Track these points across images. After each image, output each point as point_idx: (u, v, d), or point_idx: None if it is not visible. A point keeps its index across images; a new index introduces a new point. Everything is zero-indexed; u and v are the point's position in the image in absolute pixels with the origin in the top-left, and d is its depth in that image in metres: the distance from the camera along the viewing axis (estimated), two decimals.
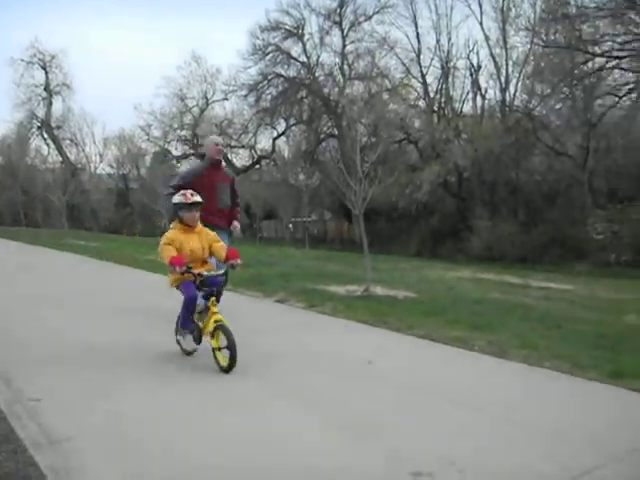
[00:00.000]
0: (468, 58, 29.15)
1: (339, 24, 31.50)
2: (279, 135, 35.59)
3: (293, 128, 35.21)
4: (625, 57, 21.31)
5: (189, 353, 4.69)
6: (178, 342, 4.73)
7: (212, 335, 4.31)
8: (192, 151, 37.43)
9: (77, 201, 35.85)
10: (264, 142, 36.67)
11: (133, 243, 21.38)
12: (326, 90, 32.21)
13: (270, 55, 32.13)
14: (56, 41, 62.77)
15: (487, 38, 27.84)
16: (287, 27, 31.96)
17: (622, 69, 22.01)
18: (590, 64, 22.60)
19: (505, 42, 27.27)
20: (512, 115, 25.97)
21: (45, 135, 41.33)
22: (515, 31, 26.96)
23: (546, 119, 24.80)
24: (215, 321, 4.28)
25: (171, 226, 4.70)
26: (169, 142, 37.96)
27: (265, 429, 3.32)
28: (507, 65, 27.33)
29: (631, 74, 21.97)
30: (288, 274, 10.01)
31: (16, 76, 39.92)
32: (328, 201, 31.74)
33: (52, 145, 41.21)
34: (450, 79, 29.75)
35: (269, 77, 32.40)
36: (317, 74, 32.35)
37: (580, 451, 3.02)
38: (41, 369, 4.48)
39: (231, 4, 58.94)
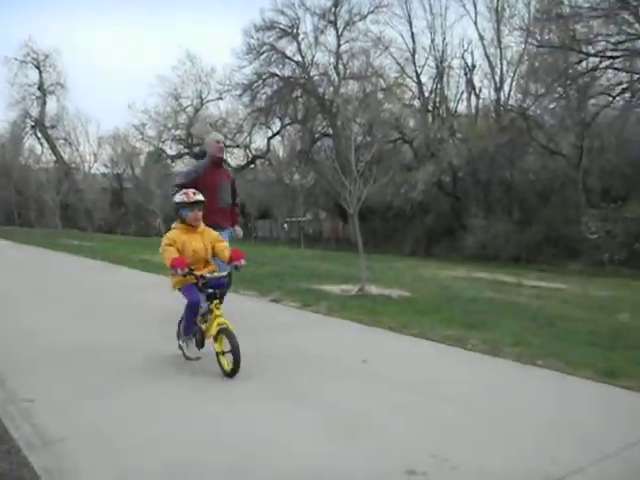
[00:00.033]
0: (463, 58, 29.27)
1: (334, 23, 31.51)
2: (274, 134, 35.61)
3: (288, 127, 35.23)
4: (618, 57, 21.40)
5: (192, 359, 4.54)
6: (180, 347, 4.59)
7: (215, 339, 4.20)
8: (186, 150, 37.39)
9: (71, 201, 35.75)
10: (259, 141, 36.68)
11: (127, 243, 21.34)
12: (321, 89, 32.25)
13: (265, 54, 32.14)
14: (50, 40, 62.51)
15: (481, 38, 27.94)
16: (282, 26, 31.97)
17: (615, 69, 22.10)
18: (584, 64, 22.69)
19: (499, 42, 27.36)
20: (506, 115, 26.03)
21: (39, 134, 41.21)
22: (509, 31, 27.07)
23: (540, 119, 24.87)
24: (218, 324, 4.15)
25: (173, 226, 4.55)
26: (163, 141, 37.95)
27: (257, 429, 3.32)
28: (501, 65, 27.43)
29: (624, 74, 22.07)
30: (283, 274, 10.02)
31: (10, 75, 39.83)
32: (323, 200, 31.76)
33: (46, 144, 41.10)
34: (445, 79, 29.82)
35: (264, 76, 32.39)
36: (312, 73, 32.37)
37: (573, 448, 3.04)
38: (34, 369, 4.47)
39: (226, 3, 58.84)
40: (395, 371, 4.42)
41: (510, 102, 26.96)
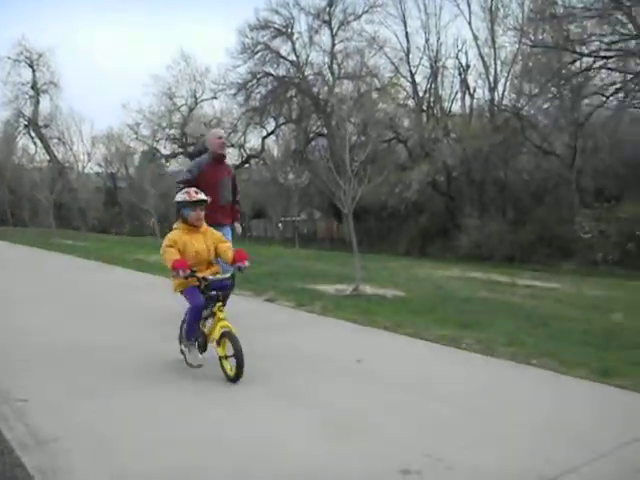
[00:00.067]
0: (457, 58, 29.31)
1: (328, 23, 31.51)
2: (268, 134, 35.58)
3: (282, 127, 35.22)
4: (612, 57, 21.49)
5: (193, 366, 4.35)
6: (182, 352, 4.41)
7: (218, 343, 4.07)
8: (181, 150, 37.30)
9: (65, 200, 35.61)
10: (253, 141, 36.61)
11: (121, 242, 21.28)
12: (315, 89, 32.24)
13: (259, 54, 32.09)
14: (43, 39, 62.26)
15: (476, 38, 28.01)
16: (276, 26, 31.94)
17: (609, 69, 22.19)
18: (577, 64, 22.78)
19: (494, 42, 27.43)
20: (500, 114, 26.10)
21: (32, 134, 40.98)
22: (503, 31, 27.16)
23: (534, 118, 24.95)
24: (221, 327, 4.03)
25: (174, 226, 4.41)
26: (158, 141, 37.82)
27: (251, 429, 3.32)
28: (495, 65, 27.51)
29: (618, 74, 22.16)
30: (277, 273, 10.01)
31: (3, 74, 39.54)
32: (317, 200, 31.76)
33: (39, 144, 40.88)
34: (439, 78, 29.87)
35: (258, 76, 32.35)
36: (306, 73, 32.37)
37: (567, 448, 3.05)
38: (27, 369, 4.46)
39: (220, 3, 58.77)
40: (390, 371, 4.43)
41: (504, 102, 27.07)
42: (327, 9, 31.21)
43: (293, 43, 32.01)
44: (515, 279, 12.44)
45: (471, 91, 29.22)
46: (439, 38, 29.62)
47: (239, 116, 34.47)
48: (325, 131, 31.37)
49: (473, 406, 3.66)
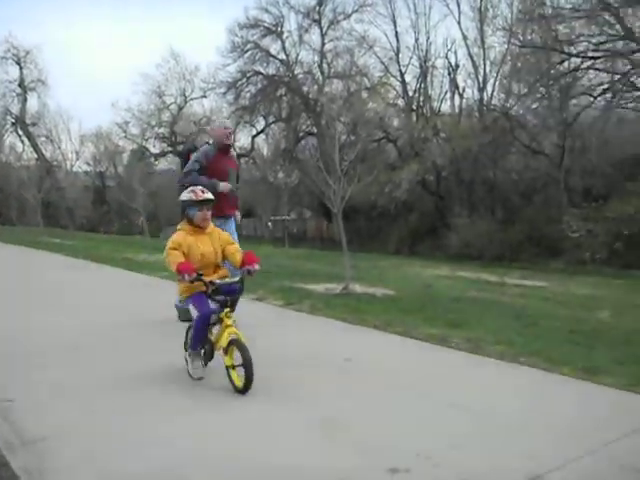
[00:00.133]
0: (446, 57, 29.37)
1: (318, 22, 31.47)
2: (258, 133, 35.51)
3: (272, 126, 35.15)
4: (600, 58, 21.62)
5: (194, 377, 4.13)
6: (185, 360, 4.16)
7: (225, 351, 3.86)
8: (170, 149, 37.15)
9: (53, 199, 35.36)
10: (243, 140, 36.48)
11: (110, 241, 21.17)
12: (305, 88, 32.20)
13: (249, 53, 31.98)
14: (30, 37, 61.72)
15: (465, 38, 28.08)
16: (266, 25, 31.84)
17: (597, 69, 22.32)
18: (566, 64, 22.87)
19: (483, 42, 27.52)
20: (490, 114, 26.19)
21: (20, 132, 40.62)
22: (493, 31, 27.24)
23: (523, 118, 25.05)
24: (229, 335, 3.82)
25: (178, 227, 4.17)
26: (147, 140, 37.63)
27: (237, 428, 3.32)
28: (485, 65, 27.60)
29: (605, 74, 22.30)
30: (267, 272, 9.98)
31: None
32: (307, 199, 31.75)
33: (27, 142, 40.54)
34: (428, 78, 29.91)
35: (248, 75, 32.25)
36: (296, 72, 32.30)
37: (555, 445, 3.07)
38: (12, 368, 4.42)
39: (210, 2, 58.51)
40: (379, 369, 4.44)
41: (493, 102, 27.16)
42: (317, 8, 31.17)
43: (283, 42, 31.97)
44: (504, 278, 12.51)
45: (460, 91, 29.34)
46: (429, 38, 29.70)
47: (229, 115, 34.30)
48: (315, 130, 31.35)
49: (462, 405, 3.67)
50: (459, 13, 28.29)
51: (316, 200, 25.55)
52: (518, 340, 5.20)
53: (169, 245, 3.98)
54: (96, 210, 38.57)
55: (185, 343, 4.23)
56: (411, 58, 30.21)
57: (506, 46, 25.89)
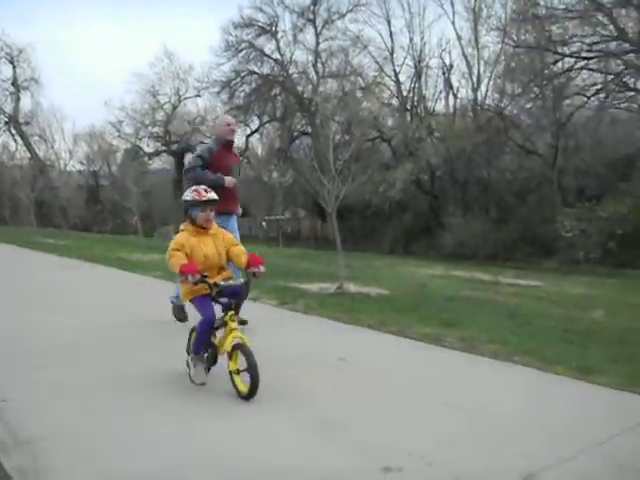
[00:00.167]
0: (440, 57, 29.40)
1: (313, 22, 31.45)
2: (252, 132, 35.44)
3: (267, 125, 35.10)
4: (593, 58, 21.71)
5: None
6: (187, 364, 4.01)
7: (229, 356, 3.75)
8: (164, 148, 37.06)
9: (46, 198, 35.25)
10: (237, 139, 36.24)
11: (103, 241, 21.10)
12: (300, 88, 32.17)
13: (243, 52, 31.91)
14: (24, 35, 61.35)
15: (459, 38, 28.14)
16: (260, 24, 31.78)
17: (590, 70, 22.42)
18: (559, 64, 22.97)
19: (477, 42, 27.59)
20: (484, 114, 26.25)
21: (13, 131, 40.37)
22: (486, 31, 27.30)
23: (517, 118, 25.12)
24: (234, 339, 3.71)
25: (181, 227, 4.03)
26: (140, 139, 37.47)
27: (233, 427, 3.31)
28: (479, 64, 27.67)
29: (599, 75, 22.40)
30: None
31: None
32: (302, 199, 31.73)
33: (20, 141, 40.29)
34: (423, 78, 29.93)
35: (242, 74, 32.19)
36: (291, 71, 32.26)
37: (548, 444, 3.08)
38: (5, 368, 4.40)
39: (204, 0, 58.37)
40: (373, 369, 4.44)
41: (487, 102, 27.23)
42: (311, 8, 31.15)
43: (277, 41, 31.93)
44: (498, 277, 12.54)
45: (454, 91, 29.39)
46: (423, 38, 29.73)
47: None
48: (309, 130, 31.32)
49: (455, 404, 3.67)
50: (453, 13, 28.40)
51: (310, 200, 25.53)
52: (512, 339, 5.21)
53: (172, 246, 3.85)
54: (89, 209, 38.46)
55: (188, 347, 4.09)
56: (405, 58, 30.28)
57: (500, 46, 25.99)
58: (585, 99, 22.93)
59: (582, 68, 22.46)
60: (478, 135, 24.46)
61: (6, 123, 40.32)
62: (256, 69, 32.25)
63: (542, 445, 3.07)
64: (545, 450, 3.00)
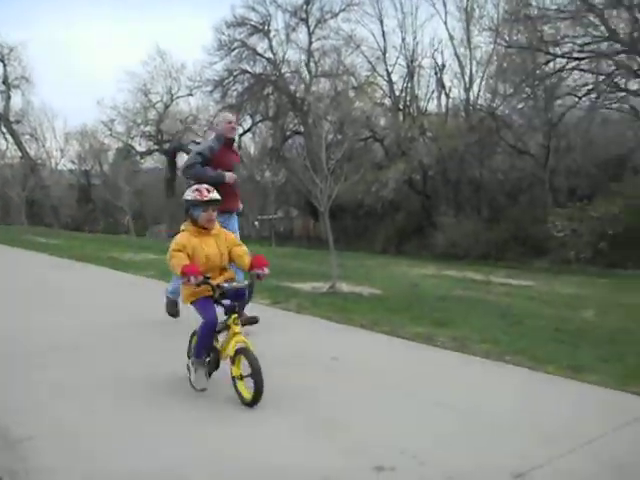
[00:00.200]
0: (433, 57, 29.42)
1: (305, 21, 31.42)
2: (245, 132, 35.33)
3: (259, 125, 35.04)
4: (584, 58, 21.82)
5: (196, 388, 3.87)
6: (188, 369, 3.91)
7: (232, 360, 3.64)
8: (156, 147, 36.93)
9: (37, 197, 35.01)
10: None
11: (95, 240, 21.01)
12: (292, 87, 32.13)
13: (236, 51, 31.84)
14: (15, 33, 60.96)
15: (451, 38, 28.18)
16: (253, 23, 31.72)
17: (582, 70, 22.52)
18: (551, 65, 23.05)
19: (469, 42, 27.64)
20: (476, 114, 26.31)
21: (3, 129, 40.04)
22: (479, 31, 27.34)
23: (509, 118, 25.20)
24: (237, 343, 3.60)
25: (182, 227, 3.91)
26: (132, 138, 37.28)
27: (226, 427, 3.31)
28: (471, 65, 27.71)
29: (590, 75, 22.50)
30: None
31: None
32: (294, 198, 31.68)
33: (11, 140, 39.98)
34: (415, 78, 29.95)
35: (235, 73, 32.13)
36: (283, 71, 32.21)
37: (539, 443, 3.10)
38: (4, 368, 4.37)
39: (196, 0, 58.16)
40: (365, 368, 4.44)
41: (479, 102, 27.29)
42: (304, 7, 31.12)
43: (270, 40, 31.88)
44: (490, 277, 12.58)
45: (447, 91, 29.42)
46: (415, 37, 29.74)
47: (215, 113, 34.13)
48: (302, 129, 31.30)
49: (447, 403, 3.69)
50: (445, 13, 28.43)
51: (303, 199, 25.52)
52: (503, 339, 5.24)
53: (172, 247, 3.73)
54: (81, 209, 38.23)
55: (188, 350, 4.00)
56: (398, 58, 30.29)
57: (492, 46, 26.06)
58: (576, 99, 23.04)
59: (574, 68, 22.56)
60: (470, 135, 24.52)
61: None
62: (249, 68, 32.21)
63: (533, 444, 3.08)
64: (536, 449, 3.02)
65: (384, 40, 30.29)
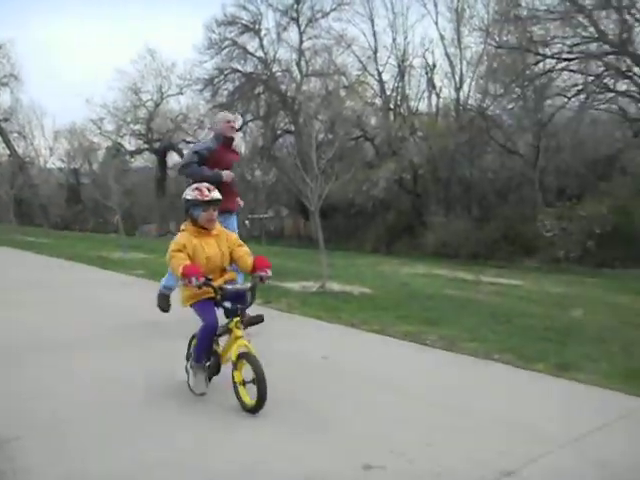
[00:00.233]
0: (424, 57, 29.51)
1: (296, 20, 31.41)
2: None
3: (250, 124, 34.97)
4: (574, 59, 21.97)
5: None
6: (187, 371, 3.78)
7: (234, 365, 3.48)
8: (146, 146, 36.78)
9: (25, 196, 34.72)
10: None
11: (84, 239, 20.91)
12: (283, 86, 32.11)
13: (226, 50, 31.80)
14: (3, 32, 60.44)
15: (442, 38, 28.26)
16: (244, 22, 31.69)
17: (571, 71, 22.69)
18: (541, 65, 23.19)
19: (459, 42, 27.73)
20: (466, 114, 26.40)
21: None
22: (469, 31, 27.44)
23: (499, 118, 25.32)
24: (239, 347, 3.46)
25: (182, 227, 3.78)
26: (122, 136, 37.15)
27: (210, 425, 3.30)
28: (461, 65, 27.81)
29: (579, 76, 22.66)
30: None
31: None
32: (285, 197, 31.67)
33: None
34: (406, 77, 30.04)
35: (225, 72, 32.07)
36: (274, 70, 32.20)
37: (526, 440, 3.12)
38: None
39: None
40: (355, 367, 4.45)
41: (470, 102, 27.37)
42: (295, 6, 31.12)
43: (261, 39, 31.85)
44: (480, 276, 12.63)
45: (437, 90, 29.51)
46: (406, 37, 29.86)
47: (206, 112, 34.13)
48: (292, 128, 31.30)
49: (435, 401, 3.71)
50: (436, 13, 28.52)
51: (293, 198, 25.52)
52: (493, 337, 5.26)
53: (172, 247, 3.60)
54: (70, 208, 37.98)
55: (188, 354, 3.86)
56: (389, 57, 30.38)
57: (482, 46, 26.15)
58: (566, 100, 23.19)
59: (563, 69, 22.72)
60: (460, 135, 24.62)
61: None
62: (239, 67, 32.17)
63: (522, 442, 3.10)
64: (525, 447, 3.04)
65: (375, 40, 30.41)
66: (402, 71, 29.74)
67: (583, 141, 23.23)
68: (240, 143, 35.89)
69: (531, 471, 2.79)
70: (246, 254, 3.73)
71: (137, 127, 36.89)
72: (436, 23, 28.56)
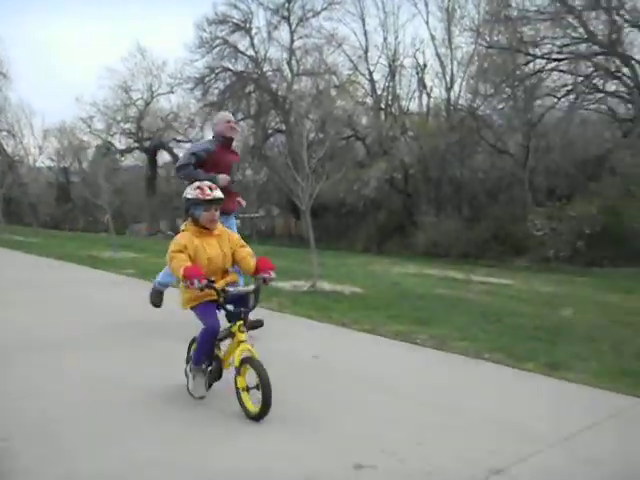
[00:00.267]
0: (414, 57, 29.54)
1: (287, 19, 31.37)
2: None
3: (241, 123, 34.85)
4: (563, 59, 22.10)
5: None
6: (186, 375, 3.71)
7: (238, 371, 3.37)
8: (136, 144, 36.62)
9: (14, 195, 34.46)
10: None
11: (74, 239, 20.79)
12: (274, 85, 32.06)
13: (217, 48, 31.70)
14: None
15: (433, 37, 28.28)
16: (235, 21, 31.59)
17: (561, 71, 22.82)
18: (531, 65, 23.30)
19: (450, 42, 27.77)
20: (457, 114, 26.48)
21: None
22: (460, 31, 27.49)
23: (489, 118, 25.41)
24: (242, 352, 3.34)
25: (182, 227, 3.69)
26: (112, 135, 36.98)
27: (201, 425, 3.29)
28: (452, 65, 27.83)
29: (569, 76, 22.80)
30: None
31: None
32: (276, 197, 31.63)
33: None
34: (397, 77, 30.06)
35: (216, 71, 31.98)
36: (265, 69, 32.14)
37: (516, 439, 3.13)
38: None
39: None
40: (346, 366, 4.45)
41: (460, 102, 27.43)
42: (286, 5, 31.06)
43: (252, 38, 31.78)
44: (470, 276, 12.67)
45: (428, 90, 29.55)
46: (397, 37, 29.86)
47: (196, 111, 34.02)
48: (283, 127, 31.28)
49: (426, 400, 3.72)
50: (427, 13, 28.53)
51: (284, 197, 25.50)
52: (483, 337, 5.29)
53: (173, 248, 3.49)
54: (60, 207, 37.75)
55: (187, 357, 3.78)
56: (380, 57, 30.39)
57: (473, 47, 26.21)
58: (556, 100, 23.32)
59: (553, 69, 22.85)
60: (451, 134, 24.69)
61: None
62: (230, 66, 32.07)
63: (512, 440, 3.12)
64: (515, 445, 3.05)
65: (366, 39, 30.42)
66: (393, 71, 29.77)
67: (573, 141, 23.35)
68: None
69: (520, 470, 2.81)
70: (249, 255, 3.64)
71: (127, 126, 36.76)
72: (427, 23, 28.63)
